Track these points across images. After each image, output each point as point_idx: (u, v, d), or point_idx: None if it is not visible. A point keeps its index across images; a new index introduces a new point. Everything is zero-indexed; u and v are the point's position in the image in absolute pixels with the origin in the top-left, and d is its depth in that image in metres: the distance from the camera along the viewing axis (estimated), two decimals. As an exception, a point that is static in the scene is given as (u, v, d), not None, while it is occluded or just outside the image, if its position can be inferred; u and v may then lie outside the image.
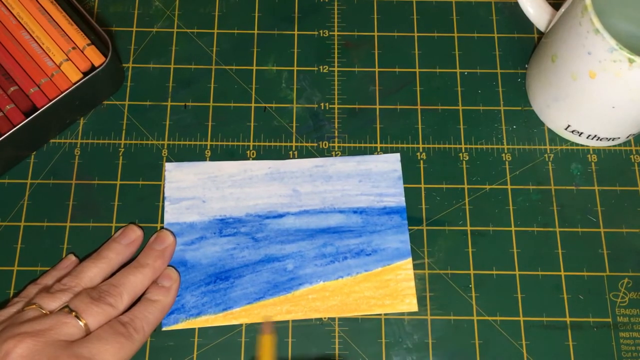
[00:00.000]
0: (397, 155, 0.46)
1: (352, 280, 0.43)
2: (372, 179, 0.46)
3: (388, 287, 0.43)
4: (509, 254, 0.44)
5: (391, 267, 0.44)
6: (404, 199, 0.45)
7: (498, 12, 0.51)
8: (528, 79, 0.48)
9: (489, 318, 0.43)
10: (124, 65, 0.49)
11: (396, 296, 0.43)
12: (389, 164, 0.46)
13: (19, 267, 0.43)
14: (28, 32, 0.46)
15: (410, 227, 0.45)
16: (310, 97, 0.48)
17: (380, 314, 0.43)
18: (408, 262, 0.44)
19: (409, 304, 0.43)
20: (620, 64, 0.38)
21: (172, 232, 0.44)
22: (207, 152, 0.47)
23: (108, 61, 0.44)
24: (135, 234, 0.43)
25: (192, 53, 0.49)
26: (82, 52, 0.45)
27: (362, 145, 0.47)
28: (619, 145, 0.48)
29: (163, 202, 0.45)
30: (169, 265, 0.43)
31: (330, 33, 0.50)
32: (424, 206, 0.45)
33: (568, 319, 0.43)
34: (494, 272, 0.44)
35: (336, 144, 0.47)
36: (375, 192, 0.45)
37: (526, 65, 0.49)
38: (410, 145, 0.47)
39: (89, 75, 0.44)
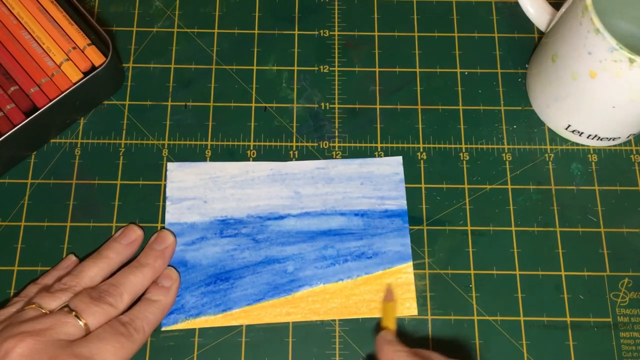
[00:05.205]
0: (399, 159, 0.46)
1: (352, 283, 0.43)
2: (374, 181, 0.46)
3: (388, 291, 0.43)
4: (509, 253, 0.44)
5: (392, 270, 0.44)
6: (405, 202, 0.45)
7: (498, 12, 0.51)
8: (528, 79, 0.48)
9: (489, 318, 0.43)
10: (124, 65, 0.49)
11: (396, 300, 0.43)
12: (391, 167, 0.46)
13: (19, 267, 0.43)
14: (28, 32, 0.46)
15: (410, 227, 0.45)
16: (310, 97, 0.48)
17: (380, 315, 0.43)
18: (409, 266, 0.44)
19: (408, 308, 0.43)
20: (621, 63, 0.38)
21: (172, 232, 0.44)
22: (208, 152, 0.47)
23: (108, 61, 0.44)
24: (135, 233, 0.43)
25: (192, 53, 0.49)
26: (83, 52, 0.45)
27: (363, 145, 0.47)
28: (620, 145, 0.48)
29: (163, 202, 0.45)
30: (169, 265, 0.43)
31: (331, 33, 0.50)
32: (424, 206, 0.45)
33: (568, 319, 0.43)
34: (494, 272, 0.44)
35: (336, 144, 0.47)
36: (377, 195, 0.45)
37: (526, 65, 0.49)
38: (410, 145, 0.47)
39: (89, 75, 0.44)
